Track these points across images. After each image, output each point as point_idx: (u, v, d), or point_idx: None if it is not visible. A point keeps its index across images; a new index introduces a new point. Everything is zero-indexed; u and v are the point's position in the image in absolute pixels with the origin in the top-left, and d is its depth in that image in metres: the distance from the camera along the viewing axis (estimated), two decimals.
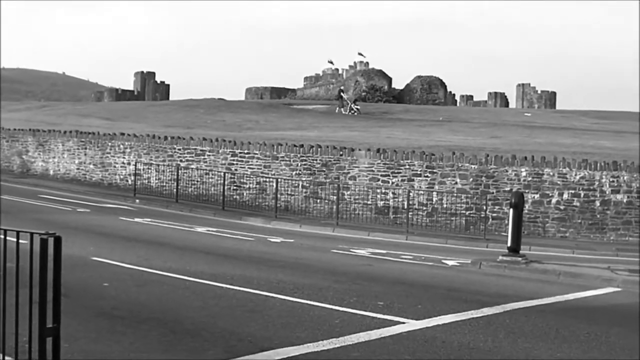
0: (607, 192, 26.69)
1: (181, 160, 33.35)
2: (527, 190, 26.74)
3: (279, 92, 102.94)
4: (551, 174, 27.07)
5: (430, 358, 8.54)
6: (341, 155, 29.60)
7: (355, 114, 60.28)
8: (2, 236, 6.31)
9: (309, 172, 30.03)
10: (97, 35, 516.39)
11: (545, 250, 22.83)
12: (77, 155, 37.96)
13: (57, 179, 38.21)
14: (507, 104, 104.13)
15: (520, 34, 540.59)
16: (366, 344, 8.96)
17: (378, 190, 28.76)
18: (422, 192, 28.18)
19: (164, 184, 33.56)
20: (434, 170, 28.18)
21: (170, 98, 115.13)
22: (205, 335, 8.94)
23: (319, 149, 30.07)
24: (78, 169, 37.90)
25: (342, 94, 66.24)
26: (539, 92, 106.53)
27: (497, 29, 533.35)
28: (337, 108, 62.91)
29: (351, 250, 19.83)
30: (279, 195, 29.24)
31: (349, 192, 29.06)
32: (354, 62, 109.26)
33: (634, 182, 26.50)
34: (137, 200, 31.33)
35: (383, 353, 8.60)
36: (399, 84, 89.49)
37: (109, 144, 36.68)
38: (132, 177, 34.31)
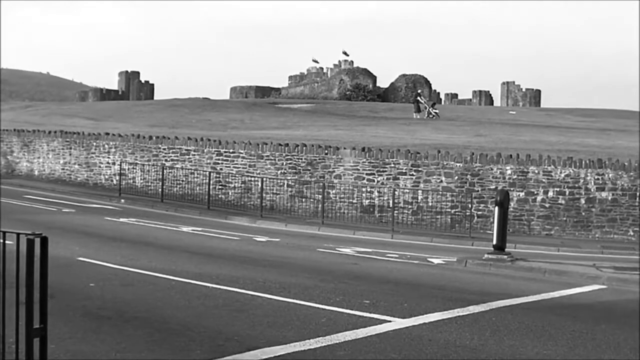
0: (592, 190, 26.79)
1: (166, 160, 33.29)
2: (512, 188, 26.82)
3: (263, 91, 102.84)
4: (536, 171, 27.15)
5: (416, 356, 8.56)
6: (326, 154, 29.60)
7: (434, 118, 55.23)
8: None
9: (294, 171, 30.02)
10: (81, 35, 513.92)
11: (530, 248, 22.93)
12: (62, 156, 37.84)
13: (42, 179, 38.08)
14: (491, 102, 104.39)
15: (504, 32, 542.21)
16: (352, 342, 8.97)
17: (363, 189, 28.78)
18: (407, 190, 28.22)
19: (149, 183, 33.48)
20: (419, 169, 28.22)
21: (155, 97, 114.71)
22: (192, 335, 8.93)
23: (304, 148, 30.06)
24: (63, 169, 37.79)
25: (419, 97, 59.80)
26: (523, 90, 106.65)
27: (481, 28, 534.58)
28: (414, 113, 57.06)
29: (337, 249, 19.83)
30: (264, 195, 29.19)
31: (334, 191, 29.07)
32: (339, 61, 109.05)
33: (619, 180, 26.61)
34: (123, 200, 31.26)
35: (369, 352, 8.61)
36: (383, 82, 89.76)
37: (94, 144, 36.58)
38: (117, 177, 34.23)
